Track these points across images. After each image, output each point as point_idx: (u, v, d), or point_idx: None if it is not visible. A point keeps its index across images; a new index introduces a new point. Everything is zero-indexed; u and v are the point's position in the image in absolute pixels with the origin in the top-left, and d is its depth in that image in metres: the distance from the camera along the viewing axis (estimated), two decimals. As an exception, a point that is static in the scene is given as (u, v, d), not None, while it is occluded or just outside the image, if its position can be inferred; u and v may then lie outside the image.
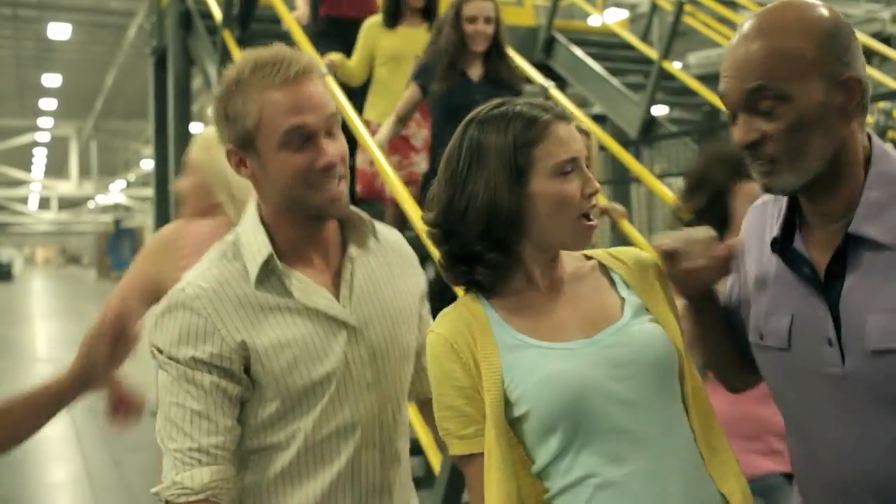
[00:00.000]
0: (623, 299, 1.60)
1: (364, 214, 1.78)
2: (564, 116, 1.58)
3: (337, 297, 1.70)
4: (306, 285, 1.67)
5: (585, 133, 4.02)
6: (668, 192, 4.89)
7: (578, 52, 7.67)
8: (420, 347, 1.83)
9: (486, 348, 1.53)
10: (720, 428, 1.59)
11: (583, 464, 1.49)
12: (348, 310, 1.70)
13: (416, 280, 1.88)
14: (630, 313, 1.58)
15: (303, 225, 1.69)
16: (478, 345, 1.53)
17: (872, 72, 7.04)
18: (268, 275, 1.66)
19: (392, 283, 1.80)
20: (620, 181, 8.18)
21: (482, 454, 1.52)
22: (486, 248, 1.56)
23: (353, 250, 1.75)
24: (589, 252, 1.68)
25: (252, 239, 1.67)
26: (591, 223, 1.57)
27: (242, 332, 1.61)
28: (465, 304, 1.60)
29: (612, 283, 1.64)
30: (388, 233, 1.88)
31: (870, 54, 6.66)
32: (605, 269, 1.65)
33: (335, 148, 1.64)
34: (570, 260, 1.65)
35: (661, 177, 6.42)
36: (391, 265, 1.82)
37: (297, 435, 1.64)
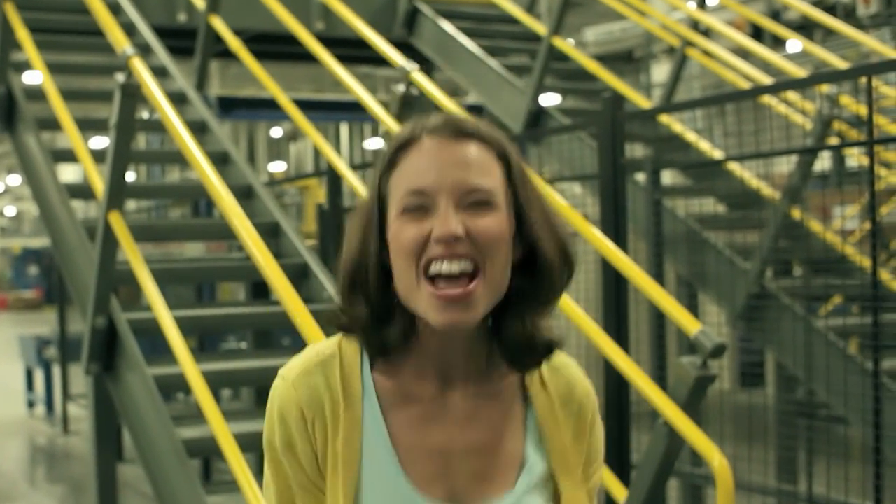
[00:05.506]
0: (524, 460, 1.31)
1: None
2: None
3: None
4: None
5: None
6: (561, 199, 4.63)
7: (448, 27, 7.30)
8: None
9: (349, 438, 1.28)
10: None
11: None
12: None
13: None
14: (523, 488, 1.31)
15: None
16: (340, 427, 1.29)
17: (814, 48, 6.70)
18: None
19: None
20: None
21: None
22: None
23: None
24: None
25: None
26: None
27: None
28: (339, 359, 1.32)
29: (525, 422, 1.33)
30: None
31: (811, 27, 6.13)
32: (524, 393, 1.34)
33: None
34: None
35: (551, 181, 6.20)
36: None
37: None
